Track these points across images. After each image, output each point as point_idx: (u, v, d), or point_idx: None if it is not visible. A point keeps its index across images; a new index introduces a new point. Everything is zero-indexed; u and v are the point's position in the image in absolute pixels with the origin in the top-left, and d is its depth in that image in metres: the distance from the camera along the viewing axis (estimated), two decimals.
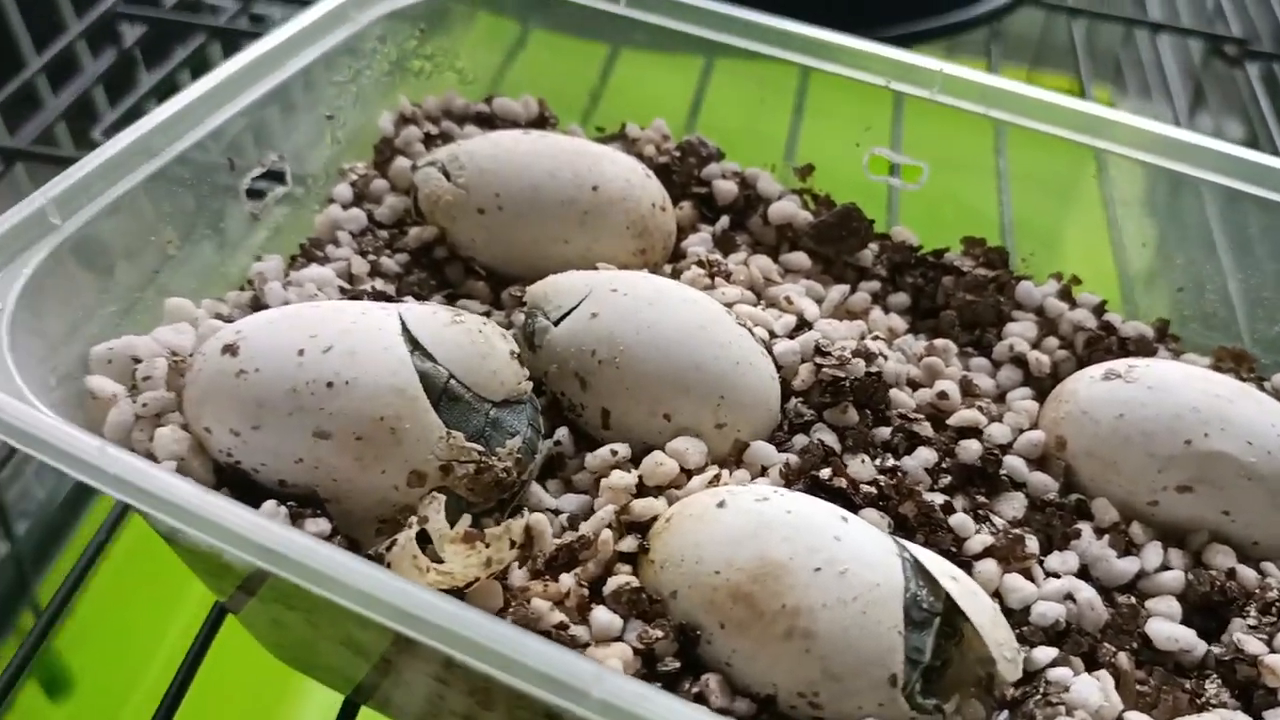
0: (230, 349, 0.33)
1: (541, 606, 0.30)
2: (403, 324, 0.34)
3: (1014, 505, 0.36)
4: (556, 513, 0.34)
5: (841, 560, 0.30)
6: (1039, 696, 0.31)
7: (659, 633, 0.30)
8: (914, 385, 0.40)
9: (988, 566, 0.34)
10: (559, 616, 0.30)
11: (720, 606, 0.30)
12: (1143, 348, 0.42)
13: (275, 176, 0.43)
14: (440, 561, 0.30)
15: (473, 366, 0.34)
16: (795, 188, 0.46)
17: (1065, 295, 0.43)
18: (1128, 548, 0.35)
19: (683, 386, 0.35)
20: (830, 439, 0.36)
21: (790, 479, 0.35)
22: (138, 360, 0.35)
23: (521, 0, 0.49)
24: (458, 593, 0.30)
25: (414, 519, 0.31)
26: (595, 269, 0.40)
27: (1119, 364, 0.38)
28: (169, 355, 0.36)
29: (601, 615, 0.30)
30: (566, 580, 0.31)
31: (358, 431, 0.32)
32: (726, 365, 0.36)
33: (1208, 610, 0.34)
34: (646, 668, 0.30)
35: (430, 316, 0.35)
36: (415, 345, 0.34)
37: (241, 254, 0.41)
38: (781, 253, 0.45)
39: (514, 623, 0.29)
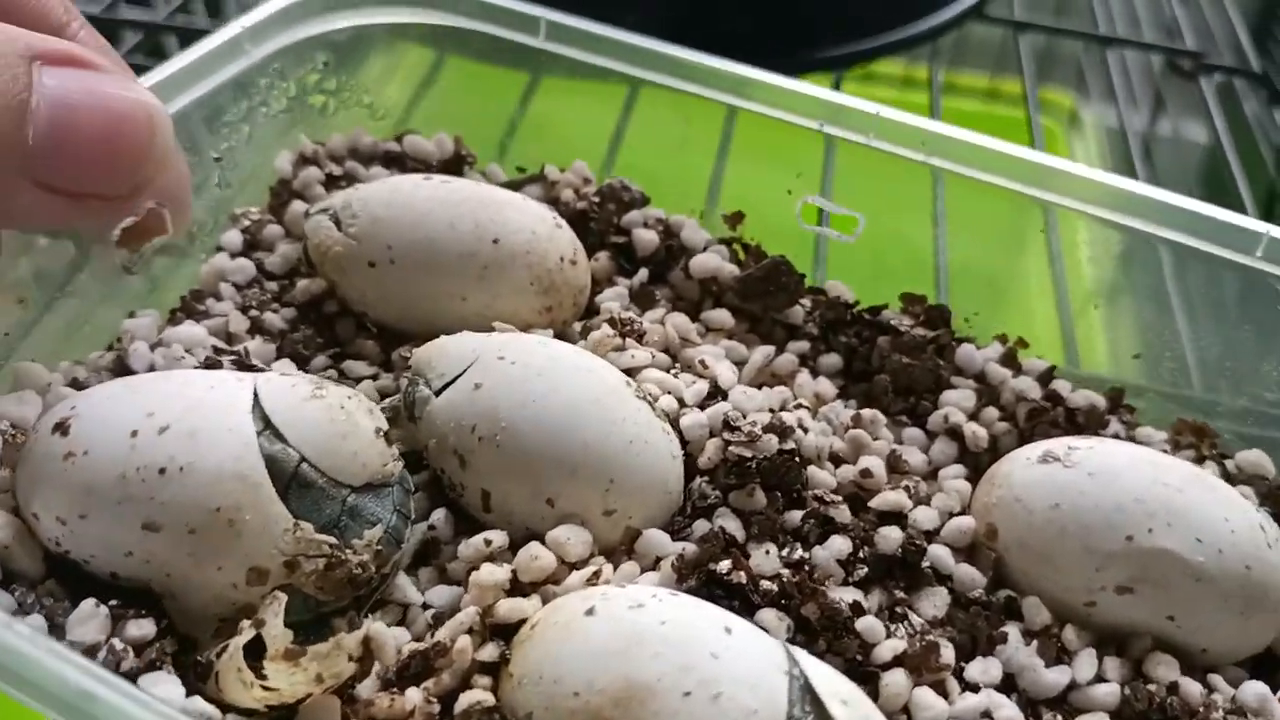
0: (61, 427, 0.30)
1: None
2: (255, 399, 0.31)
3: (935, 602, 0.33)
4: (425, 607, 0.31)
5: (717, 682, 0.26)
6: None
7: None
8: (838, 460, 0.36)
9: (896, 678, 0.30)
10: None
11: None
12: (1093, 420, 0.38)
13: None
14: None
15: (330, 448, 0.31)
16: (724, 236, 0.43)
17: (1010, 360, 0.40)
18: (1059, 654, 0.32)
19: (569, 468, 0.32)
20: (734, 526, 0.33)
21: (683, 573, 0.31)
22: None
23: (435, 30, 0.45)
24: (290, 709, 0.27)
25: (245, 624, 0.28)
26: (494, 329, 0.37)
27: (1058, 444, 0.35)
28: (8, 429, 0.32)
29: None
30: (414, 695, 0.28)
31: (191, 524, 0.29)
32: (619, 444, 0.33)
33: None
34: None
35: (288, 390, 0.32)
36: (266, 424, 0.30)
37: (114, 310, 0.38)
38: (705, 308, 0.41)
39: None
